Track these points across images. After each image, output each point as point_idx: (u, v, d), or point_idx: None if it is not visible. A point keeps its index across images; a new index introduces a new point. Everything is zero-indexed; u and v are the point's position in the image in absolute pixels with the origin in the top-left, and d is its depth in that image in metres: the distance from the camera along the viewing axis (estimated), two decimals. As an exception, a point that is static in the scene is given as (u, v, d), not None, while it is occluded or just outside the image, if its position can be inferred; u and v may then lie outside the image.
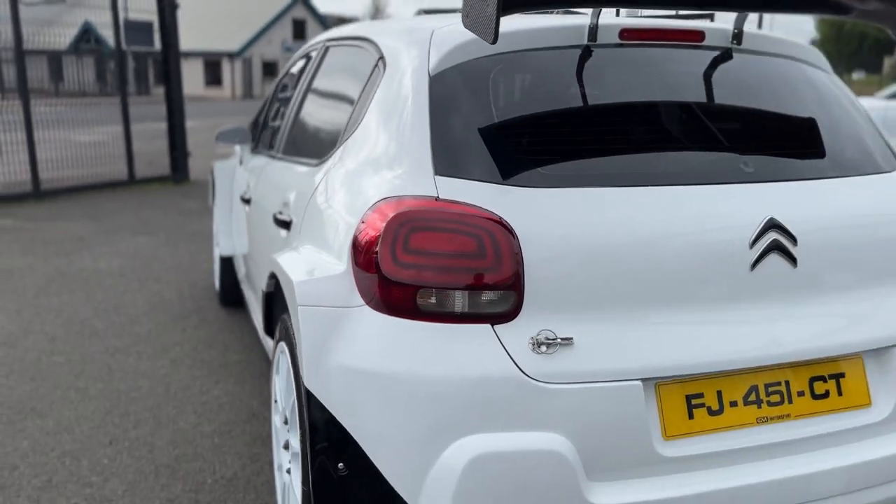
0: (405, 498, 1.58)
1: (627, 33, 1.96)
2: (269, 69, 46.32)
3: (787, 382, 1.77)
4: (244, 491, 2.55)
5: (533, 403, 1.57)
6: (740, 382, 1.73)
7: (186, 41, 48.23)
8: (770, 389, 1.76)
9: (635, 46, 1.97)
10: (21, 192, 8.11)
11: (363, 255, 1.67)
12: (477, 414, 1.56)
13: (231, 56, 43.58)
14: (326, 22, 50.74)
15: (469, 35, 1.88)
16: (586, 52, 1.92)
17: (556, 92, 1.86)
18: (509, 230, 1.62)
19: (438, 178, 1.70)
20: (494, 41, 1.56)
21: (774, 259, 1.75)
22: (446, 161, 1.72)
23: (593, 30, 1.91)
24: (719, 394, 1.71)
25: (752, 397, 1.74)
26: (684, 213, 1.71)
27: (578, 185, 1.70)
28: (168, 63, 9.72)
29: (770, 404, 1.75)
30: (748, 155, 1.87)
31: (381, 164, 1.85)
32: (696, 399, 1.70)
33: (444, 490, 1.55)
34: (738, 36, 2.04)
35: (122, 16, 9.63)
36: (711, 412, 1.70)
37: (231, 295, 4.37)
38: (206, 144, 14.16)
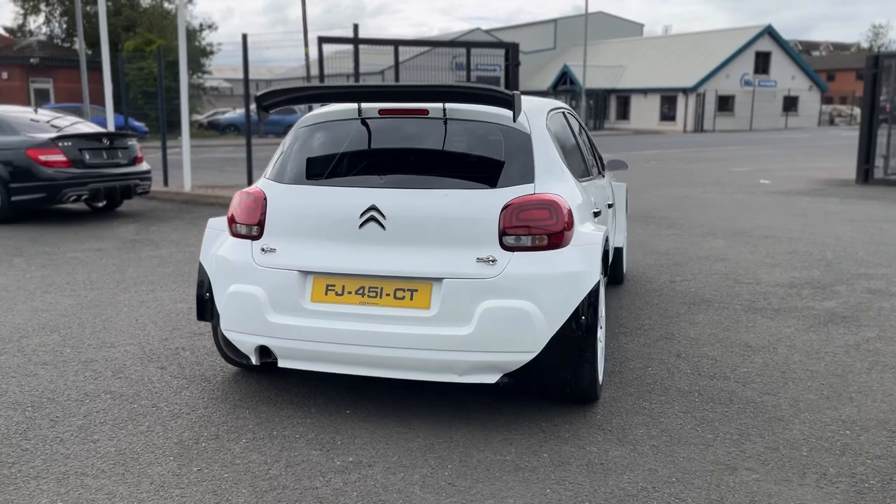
0: (217, 306, 3.65)
1: (383, 111, 3.69)
2: (724, 104, 46.63)
3: (381, 288, 3.35)
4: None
5: (254, 274, 3.51)
6: (356, 283, 3.38)
7: (646, 80, 50.78)
8: (371, 289, 3.36)
9: (390, 118, 3.69)
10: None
11: (230, 219, 3.76)
12: (238, 275, 3.56)
13: (686, 91, 45.24)
14: (792, 52, 48.76)
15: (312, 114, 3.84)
16: (361, 122, 3.72)
17: (331, 141, 3.73)
18: (265, 199, 3.59)
19: (265, 180, 3.73)
20: (259, 121, 3.56)
21: (372, 224, 3.36)
22: (275, 173, 3.74)
23: (360, 110, 3.70)
24: (343, 286, 3.39)
25: (360, 291, 3.37)
26: (340, 198, 3.45)
27: (302, 184, 3.58)
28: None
29: (369, 297, 3.35)
30: (388, 175, 3.48)
31: None
32: (331, 287, 3.41)
33: (225, 301, 3.57)
34: (445, 111, 3.59)
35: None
36: (337, 294, 3.39)
37: None
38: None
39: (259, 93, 3.70)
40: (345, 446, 3.23)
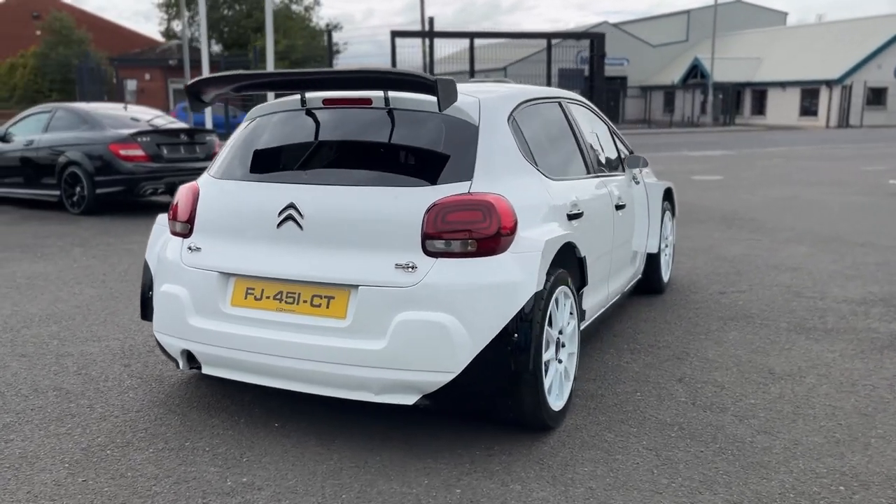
0: (153, 301, 3.49)
1: (327, 102, 3.41)
2: (874, 97, 42.88)
3: (299, 293, 3.07)
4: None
5: (181, 274, 3.33)
6: (275, 287, 3.11)
7: (786, 72, 48.02)
8: (289, 295, 3.08)
9: (333, 108, 3.41)
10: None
11: (172, 211, 3.61)
12: (168, 274, 3.40)
13: (829, 84, 41.96)
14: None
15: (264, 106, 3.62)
16: (306, 113, 3.46)
17: (271, 133, 3.49)
18: (196, 195, 3.40)
19: (205, 174, 3.55)
20: (192, 111, 3.37)
21: (290, 224, 3.08)
22: (215, 167, 3.56)
23: (303, 101, 3.44)
24: (262, 291, 3.14)
25: (279, 297, 3.10)
26: (261, 195, 3.20)
27: (232, 179, 3.36)
28: (592, 99, 11.64)
29: (286, 302, 3.08)
30: (314, 170, 3.20)
31: None
32: (251, 290, 3.16)
33: (156, 302, 3.41)
34: (387, 100, 3.26)
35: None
36: (255, 298, 3.15)
37: None
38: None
39: (190, 81, 3.51)
40: (248, 464, 2.98)
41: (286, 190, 3.17)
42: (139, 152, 9.70)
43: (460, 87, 3.56)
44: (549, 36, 12.60)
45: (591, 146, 4.33)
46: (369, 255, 2.99)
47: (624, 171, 4.82)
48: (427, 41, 10.25)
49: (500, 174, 3.15)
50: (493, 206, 2.96)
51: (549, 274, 3.09)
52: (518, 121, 3.49)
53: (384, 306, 2.91)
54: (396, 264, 2.93)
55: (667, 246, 5.75)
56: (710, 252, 7.20)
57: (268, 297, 3.13)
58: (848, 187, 12.70)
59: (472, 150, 3.13)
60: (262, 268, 3.14)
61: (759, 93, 46.96)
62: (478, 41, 11.17)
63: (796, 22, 58.48)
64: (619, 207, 4.35)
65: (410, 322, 2.87)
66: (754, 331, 4.70)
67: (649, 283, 5.45)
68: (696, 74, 48.00)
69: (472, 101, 3.30)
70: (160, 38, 47.88)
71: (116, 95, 34.17)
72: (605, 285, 4.24)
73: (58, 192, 10.08)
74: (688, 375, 3.93)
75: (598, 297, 4.08)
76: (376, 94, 3.30)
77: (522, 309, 2.92)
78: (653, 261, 5.36)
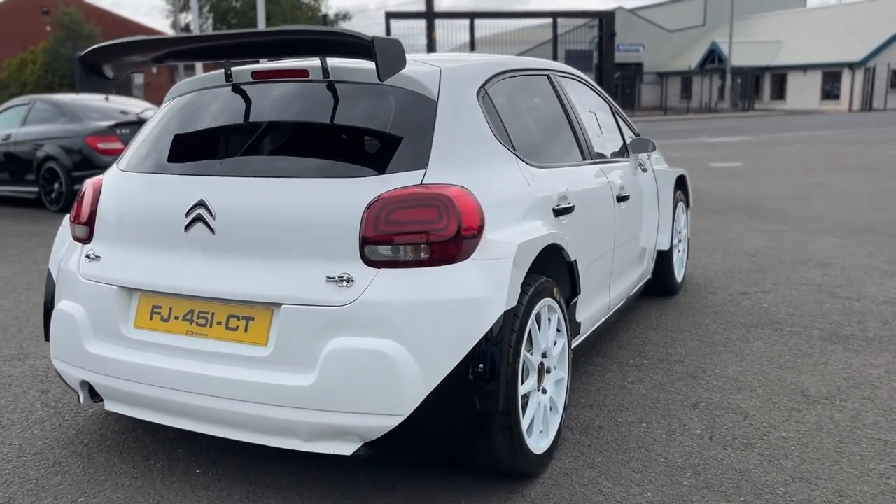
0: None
1: (256, 75, 2.78)
2: (899, 79, 41.56)
3: (213, 313, 2.45)
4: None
5: (78, 288, 2.72)
6: (185, 305, 2.50)
7: (806, 55, 46.90)
8: (201, 315, 2.47)
9: (264, 83, 2.78)
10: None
11: (73, 212, 2.98)
12: (65, 289, 2.79)
13: (852, 66, 40.71)
14: None
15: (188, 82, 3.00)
16: (233, 90, 2.83)
17: (191, 115, 2.87)
18: (98, 192, 2.79)
19: (114, 166, 2.94)
20: (82, 81, 2.75)
21: (200, 226, 2.46)
22: (125, 157, 2.94)
23: (228, 74, 2.81)
24: (171, 309, 2.52)
25: (189, 317, 2.48)
26: (168, 191, 2.59)
27: (139, 171, 2.75)
28: (601, 83, 10.95)
29: (198, 324, 2.46)
30: (231, 158, 2.58)
31: None
32: (157, 308, 2.55)
33: (54, 320, 2.78)
34: (325, 71, 2.63)
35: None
36: (162, 319, 2.53)
37: None
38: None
39: (81, 53, 2.87)
40: (148, 529, 2.38)
41: (196, 184, 2.55)
42: (118, 145, 9.12)
43: (422, 56, 2.93)
44: (555, 15, 11.84)
45: (588, 127, 3.67)
46: (295, 264, 2.36)
47: (628, 156, 4.16)
48: (427, 34, 9.60)
49: (464, 161, 2.52)
50: (453, 200, 2.32)
51: (525, 285, 2.46)
52: (492, 96, 2.85)
53: (312, 331, 2.29)
54: (328, 277, 2.31)
55: (680, 241, 5.08)
56: (730, 246, 6.51)
57: (176, 318, 2.52)
58: (877, 173, 11.90)
59: (429, 132, 2.49)
60: (170, 281, 2.52)
61: (779, 77, 45.70)
62: (485, 32, 10.57)
63: (817, 4, 56.92)
64: (621, 199, 3.69)
65: (345, 351, 2.25)
66: (782, 340, 4.03)
67: (660, 283, 4.79)
68: (713, 59, 46.86)
69: (431, 70, 2.66)
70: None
71: (123, 90, 33.68)
72: (606, 291, 3.59)
73: (36, 189, 9.56)
74: (704, 399, 3.28)
75: (597, 306, 3.43)
76: (314, 65, 2.67)
77: (489, 332, 2.28)
78: (664, 258, 4.70)
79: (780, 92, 45.74)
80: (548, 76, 3.47)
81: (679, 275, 5.03)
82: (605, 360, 3.78)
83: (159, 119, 2.96)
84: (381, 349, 2.22)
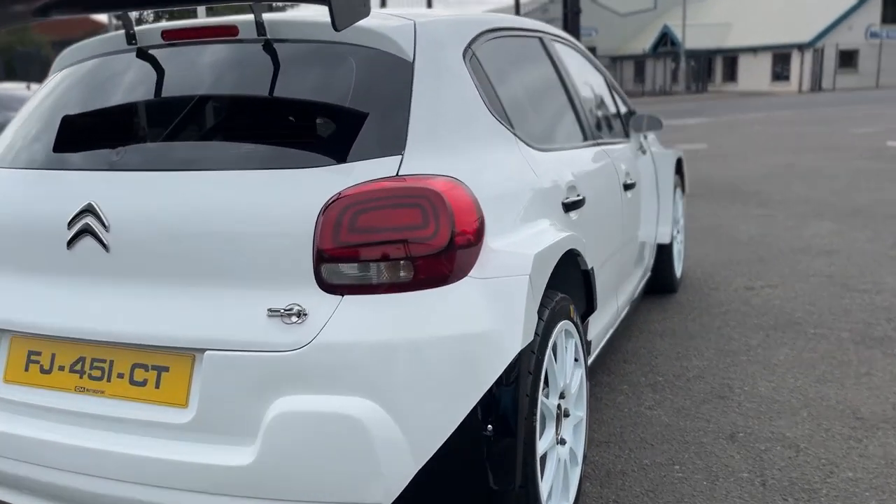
0: None
1: (167, 35, 2.08)
2: (846, 59, 42.09)
3: (112, 362, 1.77)
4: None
5: None
6: (73, 351, 1.81)
7: (756, 37, 47.42)
8: (95, 364, 1.78)
9: (179, 44, 2.08)
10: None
11: None
12: None
13: (801, 47, 41.05)
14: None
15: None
16: (138, 55, 2.12)
17: (83, 90, 2.15)
18: None
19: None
20: None
21: (88, 242, 1.77)
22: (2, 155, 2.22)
23: (131, 35, 2.10)
24: (53, 356, 1.83)
25: (79, 367, 1.80)
26: (45, 193, 1.89)
27: (11, 167, 2.04)
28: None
29: (91, 378, 1.78)
30: (132, 146, 1.89)
31: None
32: (35, 356, 1.86)
33: None
34: (260, 27, 1.94)
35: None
36: (42, 370, 1.84)
37: None
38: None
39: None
40: None
41: (82, 182, 1.86)
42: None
43: (390, 10, 2.27)
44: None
45: (586, 102, 3.05)
46: (222, 293, 1.69)
47: (628, 136, 3.56)
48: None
49: (451, 142, 1.87)
50: (441, 196, 1.67)
51: (541, 307, 1.83)
52: (481, 60, 2.19)
53: (250, 386, 1.62)
54: (270, 310, 1.64)
55: (678, 232, 4.51)
56: (720, 233, 5.99)
57: (61, 369, 1.82)
58: (846, 152, 11.59)
59: (404, 105, 1.83)
60: (50, 319, 1.83)
61: (731, 59, 45.89)
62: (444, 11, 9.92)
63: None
64: (627, 187, 3.09)
65: (296, 415, 1.59)
66: (810, 346, 3.48)
67: (659, 280, 4.22)
68: (665, 42, 46.93)
69: (403, 24, 1.99)
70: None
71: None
72: (615, 298, 3.00)
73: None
74: (741, 428, 2.70)
75: (606, 318, 2.83)
76: (245, 20, 1.99)
77: (500, 379, 1.65)
78: (663, 253, 4.12)
79: (731, 74, 45.98)
80: (539, 38, 2.83)
81: (678, 269, 4.47)
82: (612, 379, 3.19)
83: (42, 98, 2.24)
84: (348, 412, 1.56)
